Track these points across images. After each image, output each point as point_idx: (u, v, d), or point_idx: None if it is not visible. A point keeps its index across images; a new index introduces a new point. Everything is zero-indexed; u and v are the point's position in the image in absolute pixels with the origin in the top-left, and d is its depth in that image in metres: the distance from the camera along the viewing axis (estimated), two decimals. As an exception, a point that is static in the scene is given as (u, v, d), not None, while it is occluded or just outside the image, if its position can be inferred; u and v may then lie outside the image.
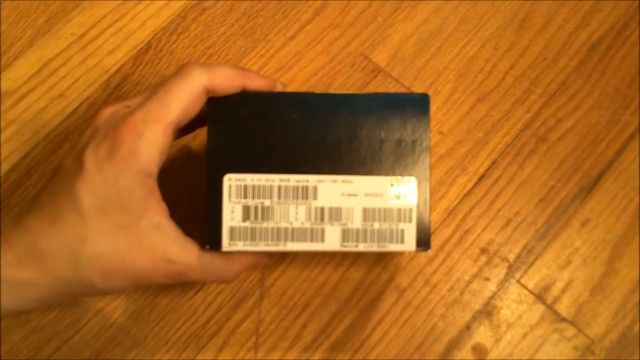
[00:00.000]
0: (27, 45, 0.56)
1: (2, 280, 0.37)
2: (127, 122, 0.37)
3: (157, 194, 0.39)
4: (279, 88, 0.43)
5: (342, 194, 0.40)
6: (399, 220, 0.40)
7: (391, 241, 0.40)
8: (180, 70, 0.39)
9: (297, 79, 0.55)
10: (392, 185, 0.40)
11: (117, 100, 0.54)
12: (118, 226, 0.37)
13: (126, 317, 0.49)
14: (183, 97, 0.39)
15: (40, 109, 0.54)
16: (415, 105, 0.41)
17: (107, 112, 0.40)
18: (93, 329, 0.49)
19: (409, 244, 0.40)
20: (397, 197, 0.40)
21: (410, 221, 0.40)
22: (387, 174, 0.40)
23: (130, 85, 0.55)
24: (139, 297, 0.49)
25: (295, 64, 0.55)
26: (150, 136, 0.37)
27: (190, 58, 0.55)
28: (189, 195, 0.51)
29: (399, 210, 0.40)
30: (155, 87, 0.39)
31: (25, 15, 0.57)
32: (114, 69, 0.55)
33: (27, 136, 0.53)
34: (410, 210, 0.40)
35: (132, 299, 0.49)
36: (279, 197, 0.40)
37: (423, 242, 0.40)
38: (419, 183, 0.40)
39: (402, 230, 0.40)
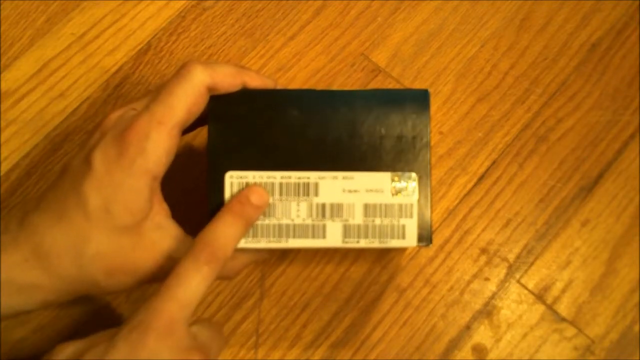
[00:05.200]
0: (27, 45, 0.56)
1: (9, 281, 0.37)
2: (134, 125, 0.38)
3: (159, 195, 0.40)
4: None
5: (343, 190, 0.40)
6: (400, 216, 0.40)
7: (392, 237, 0.40)
8: (181, 69, 0.40)
9: (297, 79, 0.55)
10: (392, 180, 0.40)
11: (117, 100, 0.54)
12: (122, 226, 0.38)
13: (127, 316, 0.49)
14: (186, 98, 0.39)
15: (40, 109, 0.54)
16: (415, 100, 0.41)
17: (115, 115, 0.40)
18: (93, 328, 0.49)
19: (411, 239, 0.40)
20: (398, 193, 0.40)
21: (411, 216, 0.40)
22: (387, 169, 0.41)
23: (130, 85, 0.55)
24: (140, 296, 0.49)
25: (295, 64, 0.55)
26: (157, 138, 0.38)
27: (190, 58, 0.55)
28: (190, 195, 0.51)
29: (400, 205, 0.40)
30: (159, 89, 0.40)
31: (25, 15, 0.57)
32: (114, 69, 0.55)
33: (27, 136, 0.53)
34: (411, 205, 0.40)
35: (132, 298, 0.49)
36: (281, 194, 0.40)
37: (424, 237, 0.40)
38: (420, 178, 0.41)
39: (404, 226, 0.40)
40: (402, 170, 0.41)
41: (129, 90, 0.55)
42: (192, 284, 0.36)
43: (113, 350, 0.34)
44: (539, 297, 0.49)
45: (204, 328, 0.38)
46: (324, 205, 0.40)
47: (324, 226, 0.40)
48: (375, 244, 0.40)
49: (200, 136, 0.52)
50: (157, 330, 0.34)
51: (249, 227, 0.40)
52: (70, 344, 0.37)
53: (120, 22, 0.57)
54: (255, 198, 0.40)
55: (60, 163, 0.53)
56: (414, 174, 0.41)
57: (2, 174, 0.52)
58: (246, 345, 0.48)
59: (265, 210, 0.40)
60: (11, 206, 0.52)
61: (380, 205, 0.40)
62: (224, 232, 0.38)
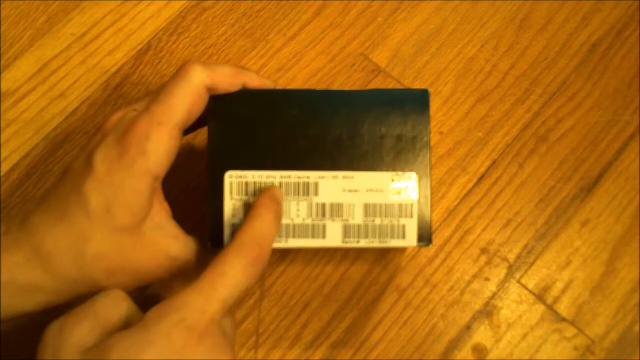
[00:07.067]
0: (27, 45, 0.56)
1: (10, 282, 0.37)
2: (134, 126, 0.38)
3: (160, 195, 0.40)
4: None
5: (343, 190, 0.40)
6: (400, 216, 0.40)
7: (392, 237, 0.40)
8: (181, 70, 0.40)
9: (297, 79, 0.55)
10: (392, 180, 0.40)
11: (117, 100, 0.54)
12: (123, 226, 0.38)
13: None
14: (186, 98, 0.39)
15: (40, 109, 0.54)
16: (415, 100, 0.41)
17: (116, 116, 0.41)
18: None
19: (410, 239, 0.40)
20: (398, 193, 0.40)
21: (411, 216, 0.40)
22: (387, 169, 0.41)
23: (130, 85, 0.55)
24: (139, 297, 0.49)
25: (295, 64, 0.55)
26: (157, 139, 0.38)
27: (191, 58, 0.56)
28: (190, 193, 0.51)
29: (400, 205, 0.40)
30: (159, 89, 0.40)
31: (25, 15, 0.57)
32: (114, 69, 0.55)
33: (27, 136, 0.53)
34: (411, 205, 0.40)
35: (132, 298, 0.49)
36: None
37: (424, 237, 0.41)
38: (420, 178, 0.41)
39: (404, 226, 0.40)
40: (402, 170, 0.41)
41: (129, 90, 0.55)
42: (237, 285, 0.36)
43: (151, 347, 0.33)
44: (539, 297, 0.49)
45: (227, 319, 0.38)
46: (323, 205, 0.40)
47: (324, 226, 0.40)
48: (375, 243, 0.40)
49: (201, 135, 0.52)
50: (199, 332, 0.34)
51: None
52: (80, 320, 0.35)
53: (120, 22, 0.57)
54: (279, 196, 0.40)
55: (60, 163, 0.53)
56: (414, 174, 0.41)
57: (2, 174, 0.52)
58: (246, 345, 0.48)
59: None
60: (11, 206, 0.52)
61: (380, 205, 0.40)
62: (271, 232, 0.38)
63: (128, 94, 0.55)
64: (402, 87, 0.54)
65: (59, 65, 0.55)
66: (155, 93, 0.40)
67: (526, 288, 0.49)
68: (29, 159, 0.53)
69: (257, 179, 0.40)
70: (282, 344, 0.48)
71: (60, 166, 0.53)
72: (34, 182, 0.52)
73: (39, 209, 0.39)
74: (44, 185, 0.52)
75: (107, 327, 0.35)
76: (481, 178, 0.52)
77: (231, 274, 0.36)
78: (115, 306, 0.37)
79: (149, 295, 0.49)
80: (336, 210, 0.40)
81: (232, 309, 0.40)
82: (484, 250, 0.50)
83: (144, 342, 0.33)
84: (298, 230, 0.40)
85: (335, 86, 0.54)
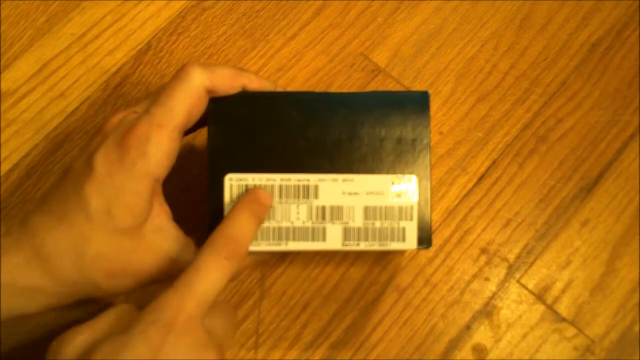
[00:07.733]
0: (27, 45, 0.56)
1: (11, 283, 0.37)
2: (134, 128, 0.38)
3: (160, 197, 0.40)
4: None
5: (343, 193, 0.40)
6: (400, 219, 0.40)
7: (392, 239, 0.40)
8: (180, 71, 0.40)
9: (297, 79, 0.55)
10: (392, 183, 0.40)
11: (117, 100, 0.54)
12: (123, 228, 0.38)
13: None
14: (185, 100, 0.39)
15: (40, 109, 0.54)
16: (415, 102, 0.41)
17: (116, 118, 0.41)
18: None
19: (411, 242, 0.40)
20: (398, 195, 0.40)
21: (411, 219, 0.40)
22: (387, 172, 0.41)
23: (130, 85, 0.55)
24: (140, 297, 0.49)
25: (295, 64, 0.55)
26: (157, 141, 0.38)
27: (190, 58, 0.56)
28: (190, 193, 0.51)
29: (400, 208, 0.40)
30: (159, 91, 0.40)
31: (25, 15, 0.57)
32: (114, 69, 0.55)
33: (27, 136, 0.53)
34: (411, 208, 0.40)
35: (132, 299, 0.49)
36: (280, 197, 0.40)
37: (424, 240, 0.40)
38: (420, 181, 0.41)
39: (404, 229, 0.40)
40: (402, 172, 0.41)
41: (129, 91, 0.55)
42: (212, 280, 0.35)
43: (128, 348, 0.32)
44: (539, 297, 0.49)
45: (216, 318, 0.37)
46: (324, 208, 0.40)
47: (324, 229, 0.40)
48: (375, 246, 0.40)
49: (201, 135, 0.52)
50: (175, 329, 0.33)
51: (259, 228, 0.40)
52: (78, 333, 0.35)
53: (120, 22, 0.57)
54: (263, 198, 0.40)
55: (60, 163, 0.53)
56: (414, 177, 0.41)
57: (2, 174, 0.52)
58: (246, 345, 0.48)
59: None
60: (11, 206, 0.52)
61: (380, 207, 0.40)
62: (244, 229, 0.38)
63: (128, 94, 0.55)
64: (401, 87, 0.54)
65: (59, 65, 0.55)
66: (155, 95, 0.40)
67: (526, 288, 0.49)
68: (29, 159, 0.53)
69: (257, 182, 0.40)
70: (282, 344, 0.48)
71: (60, 166, 0.53)
72: (34, 182, 0.52)
73: (40, 209, 0.39)
74: (44, 185, 0.52)
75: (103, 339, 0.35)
76: (481, 178, 0.52)
77: (204, 269, 0.35)
78: (116, 320, 0.36)
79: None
80: (336, 213, 0.40)
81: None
82: (483, 250, 0.50)
83: (124, 343, 0.33)
84: (298, 233, 0.40)
85: (335, 86, 0.54)
